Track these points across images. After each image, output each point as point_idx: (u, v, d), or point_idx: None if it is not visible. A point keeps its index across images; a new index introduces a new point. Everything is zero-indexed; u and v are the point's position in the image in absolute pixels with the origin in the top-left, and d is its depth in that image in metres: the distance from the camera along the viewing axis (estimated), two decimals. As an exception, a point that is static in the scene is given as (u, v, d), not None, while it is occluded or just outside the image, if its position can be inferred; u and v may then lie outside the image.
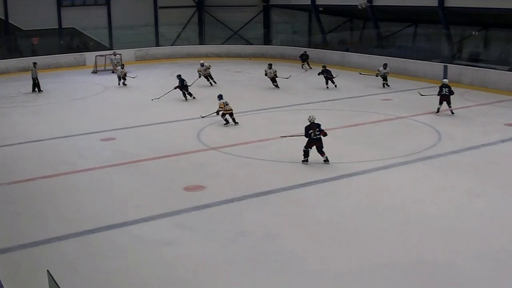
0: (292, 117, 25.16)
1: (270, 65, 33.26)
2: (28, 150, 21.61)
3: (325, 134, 18.39)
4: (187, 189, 16.62)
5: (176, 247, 13.03)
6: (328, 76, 32.41)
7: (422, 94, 27.46)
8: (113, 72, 39.37)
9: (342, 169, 17.92)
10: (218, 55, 48.71)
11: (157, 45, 50.47)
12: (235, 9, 50.55)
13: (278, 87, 32.51)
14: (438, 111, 25.34)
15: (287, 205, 15.38)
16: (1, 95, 33.21)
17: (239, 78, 37.71)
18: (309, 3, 45.21)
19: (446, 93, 25.01)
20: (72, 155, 20.65)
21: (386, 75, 32.42)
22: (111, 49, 46.92)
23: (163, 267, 12.11)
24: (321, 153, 18.26)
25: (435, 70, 34.30)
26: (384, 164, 18.50)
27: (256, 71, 39.25)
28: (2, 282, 8.52)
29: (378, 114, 25.26)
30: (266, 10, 51.23)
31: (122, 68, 34.57)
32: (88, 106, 29.76)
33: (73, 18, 47.23)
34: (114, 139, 22.61)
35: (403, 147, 20.49)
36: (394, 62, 35.78)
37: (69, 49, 46.36)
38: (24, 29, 45.68)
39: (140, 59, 47.16)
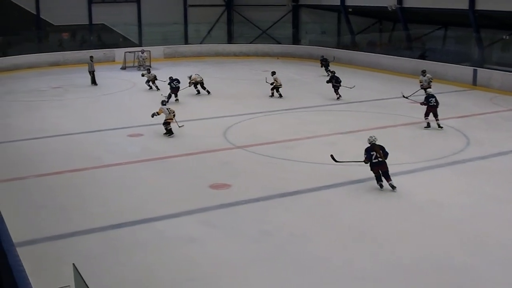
0: (319, 118, 25.06)
1: (274, 73, 31.15)
2: (55, 144, 21.75)
3: (387, 156, 16.23)
4: (213, 187, 16.59)
5: (200, 245, 12.99)
6: (335, 84, 29.54)
7: (405, 96, 26.24)
8: (138, 69, 39.65)
9: (368, 172, 17.75)
10: (246, 54, 48.72)
11: (186, 43, 50.62)
12: (264, 8, 50.54)
13: (280, 96, 30.61)
14: (429, 126, 23.57)
15: (313, 206, 15.29)
16: (31, 89, 33.49)
17: (267, 77, 37.63)
18: (339, 3, 45.10)
19: (435, 104, 23.41)
20: (99, 150, 20.75)
21: (431, 83, 28.01)
22: (140, 45, 47.16)
23: (186, 263, 12.08)
24: (387, 177, 16.12)
25: (465, 73, 33.96)
26: (410, 168, 18.33)
27: (284, 71, 39.19)
28: (28, 274, 8.51)
29: (405, 117, 25.06)
30: (295, 9, 51.22)
31: (149, 72, 33.65)
32: (117, 102, 29.90)
33: (103, 14, 47.59)
34: (141, 135, 22.67)
35: (430, 151, 20.30)
36: (423, 64, 35.52)
37: (98, 45, 46.63)
38: (55, 24, 46.08)
39: (168, 57, 47.33)
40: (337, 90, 29.43)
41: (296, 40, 50.93)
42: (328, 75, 35.62)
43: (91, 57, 35.53)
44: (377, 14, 45.99)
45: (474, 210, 15.05)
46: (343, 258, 12.30)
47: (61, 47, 45.58)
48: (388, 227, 13.92)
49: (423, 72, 28.64)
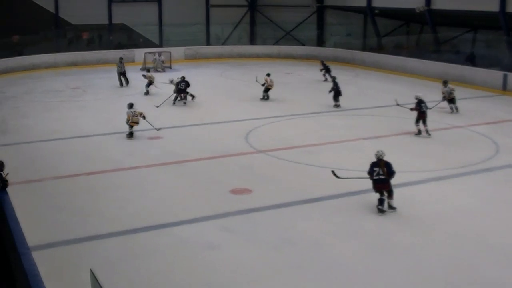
0: (343, 122, 25.00)
1: (269, 74, 31.22)
2: (73, 145, 21.89)
3: (392, 176, 15.17)
4: (234, 192, 16.60)
5: (219, 251, 12.99)
6: (337, 90, 28.53)
7: (399, 103, 25.37)
8: (157, 71, 39.89)
9: (393, 178, 17.68)
10: (269, 56, 48.70)
11: (208, 44, 50.71)
12: (288, 9, 50.51)
13: (268, 99, 30.65)
14: (420, 132, 23.09)
15: (336, 213, 15.23)
16: (49, 89, 33.74)
17: (290, 80, 37.61)
18: (365, 4, 44.90)
19: (425, 110, 23.12)
20: (118, 152, 20.85)
21: (453, 95, 26.98)
22: (160, 46, 47.35)
23: (204, 270, 12.09)
24: (390, 196, 15.27)
25: (494, 78, 33.69)
26: (437, 175, 18.20)
27: (308, 73, 39.17)
28: (43, 278, 8.56)
29: (432, 123, 24.86)
30: (320, 10, 51.12)
31: (148, 71, 33.16)
32: (136, 103, 29.91)
33: (124, 14, 47.84)
34: (161, 137, 22.73)
35: (459, 158, 20.14)
36: (452, 68, 35.38)
37: (118, 45, 46.84)
38: (74, 23, 46.38)
39: (189, 58, 47.42)
40: (338, 97, 28.51)
41: (320, 42, 50.84)
42: (326, 79, 35.54)
43: (121, 58, 35.65)
44: (404, 16, 45.79)
45: (504, 221, 14.90)
46: (367, 267, 12.24)
47: (80, 47, 45.86)
48: (414, 236, 13.82)
49: (445, 83, 27.32)
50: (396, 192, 16.36)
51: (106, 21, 47.81)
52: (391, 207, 15.19)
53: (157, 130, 23.24)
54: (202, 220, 14.65)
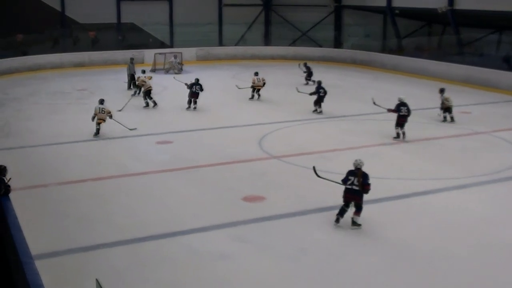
0: (361, 127, 24.93)
1: (256, 73, 31.89)
2: (79, 149, 21.94)
3: (367, 191, 14.65)
4: (246, 199, 16.57)
5: (231, 261, 12.96)
6: (319, 95, 27.92)
7: (376, 103, 25.07)
8: (166, 73, 40.02)
9: (413, 186, 17.60)
10: (284, 57, 48.71)
11: (220, 44, 50.78)
12: (305, 9, 50.49)
13: (259, 97, 31.56)
14: (399, 136, 23.25)
15: (352, 222, 15.19)
16: (55, 91, 33.86)
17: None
18: (385, 4, 44.81)
19: (406, 113, 23.10)
20: (126, 157, 20.88)
21: (449, 104, 26.42)
22: (171, 47, 47.42)
23: (215, 281, 12.06)
24: (357, 211, 14.79)
25: (520, 82, 33.64)
26: (460, 183, 18.11)
27: (325, 76, 39.09)
28: (46, 288, 8.55)
29: (454, 128, 24.83)
30: (338, 10, 51.05)
31: (143, 72, 32.04)
32: (145, 107, 30.06)
33: (133, 12, 48.00)
34: (171, 142, 22.76)
35: (482, 165, 20.05)
36: (476, 71, 35.25)
37: (127, 45, 46.92)
38: (81, 22, 46.51)
39: (201, 59, 47.50)
40: (321, 103, 28.01)
41: (338, 44, 50.79)
42: (307, 83, 35.70)
43: (132, 58, 35.69)
44: (426, 16, 45.65)
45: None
46: (386, 279, 12.18)
47: (86, 47, 45.99)
48: (435, 246, 13.73)
49: (442, 91, 26.83)
50: (416, 200, 16.34)
51: (114, 20, 47.97)
52: (355, 223, 14.72)
53: (130, 130, 23.83)
54: (213, 228, 14.63)
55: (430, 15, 43.72)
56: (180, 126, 25.03)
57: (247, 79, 32.69)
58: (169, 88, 34.31)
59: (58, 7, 45.98)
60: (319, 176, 15.60)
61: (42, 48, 43.58)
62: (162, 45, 48.45)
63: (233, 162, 20.12)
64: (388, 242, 14.01)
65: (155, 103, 29.44)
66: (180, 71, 41.34)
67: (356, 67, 44.08)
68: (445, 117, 26.46)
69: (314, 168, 15.70)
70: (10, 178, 13.39)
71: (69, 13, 46.25)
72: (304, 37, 51.27)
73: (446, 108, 26.36)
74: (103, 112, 23.45)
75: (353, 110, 28.60)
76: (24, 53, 42.38)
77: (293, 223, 15.07)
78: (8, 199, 12.94)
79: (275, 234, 14.39)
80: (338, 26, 51.36)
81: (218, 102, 30.12)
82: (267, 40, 52.33)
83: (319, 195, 16.89)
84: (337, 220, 14.79)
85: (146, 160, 20.52)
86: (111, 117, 23.61)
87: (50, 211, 15.79)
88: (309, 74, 37.35)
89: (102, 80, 37.00)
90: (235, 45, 50.87)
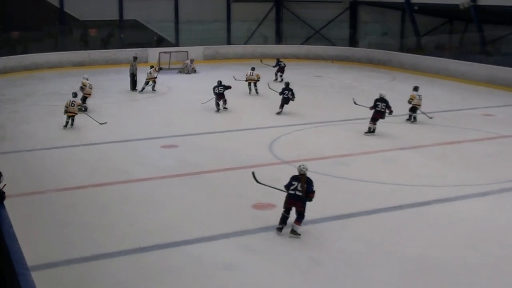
0: (378, 130, 24.84)
1: (253, 68, 34.28)
2: (79, 154, 21.96)
3: (311, 198, 14.58)
4: (256, 207, 16.53)
5: (240, 272, 12.93)
6: (288, 97, 28.17)
7: (356, 102, 25.93)
8: (179, 72, 40.17)
9: (433, 193, 17.54)
10: (296, 56, 48.74)
11: (229, 43, 50.88)
12: (318, 5, 50.58)
13: (257, 92, 33.41)
14: (370, 131, 24.36)
15: (369, 232, 15.10)
16: (53, 92, 33.95)
17: (320, 83, 37.62)
18: (403, 0, 44.80)
19: (382, 109, 24.11)
20: (128, 162, 20.89)
21: (413, 104, 26.97)
22: (177, 45, 47.48)
23: (223, 294, 12.05)
24: (297, 220, 14.69)
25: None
26: (483, 190, 18.03)
27: (339, 76, 39.10)
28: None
29: (477, 132, 24.77)
30: (353, 7, 51.05)
31: (154, 69, 34.92)
32: (149, 108, 30.12)
33: (136, 9, 48.11)
34: (176, 146, 22.76)
35: (507, 171, 19.96)
36: (500, 71, 35.15)
37: (130, 44, 47.00)
38: (81, 19, 46.62)
39: (209, 58, 47.60)
40: (285, 105, 28.32)
41: (353, 42, 50.78)
42: (276, 79, 36.58)
43: (135, 57, 35.75)
44: (447, 13, 45.61)
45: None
46: (404, 293, 12.15)
47: (87, 46, 46.10)
48: (458, 258, 13.65)
49: (415, 88, 27.44)
50: (436, 208, 16.26)
51: (116, 17, 48.11)
52: (294, 232, 14.66)
53: (100, 124, 25.00)
54: (221, 237, 14.60)
55: (451, 12, 43.66)
56: (186, 129, 25.05)
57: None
58: (174, 89, 34.37)
59: (56, 3, 46.11)
60: (258, 182, 15.55)
61: (40, 46, 43.69)
62: (167, 43, 48.55)
63: (241, 168, 20.06)
64: (406, 253, 13.93)
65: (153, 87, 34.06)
66: (191, 71, 41.78)
67: (373, 67, 44.06)
68: (410, 116, 27.00)
69: (253, 173, 15.68)
70: (5, 184, 13.35)
71: (68, 9, 46.39)
72: (317, 35, 51.28)
73: (413, 108, 26.86)
74: (73, 105, 24.97)
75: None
76: (21, 52, 42.51)
77: (306, 232, 14.98)
78: (3, 206, 12.90)
79: (286, 244, 14.33)
80: (353, 24, 51.34)
81: (227, 105, 30.14)
82: (278, 38, 52.38)
83: (333, 203, 16.86)
84: (280, 229, 14.74)
85: (149, 165, 20.53)
86: (80, 109, 25.47)
87: (47, 219, 15.77)
88: (280, 69, 38.20)
89: (103, 81, 37.01)
90: (244, 43, 50.93)
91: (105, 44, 47.15)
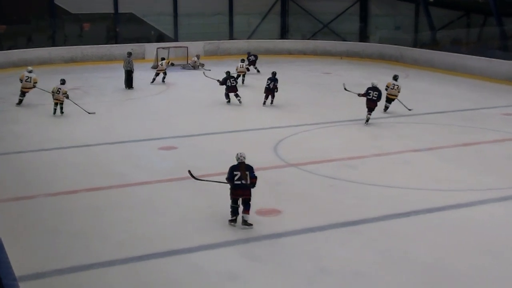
0: (390, 131, 24.94)
1: (243, 60, 36.35)
2: (71, 156, 21.98)
3: (254, 185, 15.56)
4: (259, 212, 16.52)
5: (242, 283, 12.95)
6: (268, 85, 29.94)
7: (347, 89, 27.30)
8: (183, 68, 40.46)
9: (449, 198, 17.54)
10: (303, 52, 48.81)
11: (231, 38, 50.91)
12: (327, -2, 50.63)
13: (243, 82, 35.24)
14: (368, 120, 25.99)
15: (379, 239, 15.11)
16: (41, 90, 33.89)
17: (328, 81, 37.64)
18: (417, -8, 44.91)
19: (374, 98, 25.59)
20: (124, 165, 20.91)
21: (394, 94, 28.42)
22: (176, 40, 47.53)
23: (225, 306, 12.09)
24: (246, 209, 15.55)
25: None
26: (503, 194, 18.01)
27: (349, 73, 39.11)
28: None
29: (497, 132, 24.78)
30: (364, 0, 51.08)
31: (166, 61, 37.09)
32: (146, 108, 30.15)
33: (132, 2, 48.18)
34: (175, 148, 22.81)
35: (529, 174, 20.04)
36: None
37: (125, 39, 47.04)
38: (73, 12, 46.63)
39: (210, 54, 47.63)
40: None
41: (364, 37, 50.83)
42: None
43: (129, 53, 35.79)
44: (464, 5, 45.65)
45: None
46: (417, 304, 12.17)
47: (79, 41, 46.14)
48: (475, 268, 13.64)
49: (395, 77, 28.96)
50: (452, 214, 16.26)
51: (111, 10, 48.17)
52: (246, 223, 15.45)
53: (89, 113, 26.56)
54: (222, 245, 14.64)
55: (468, 4, 43.76)
56: (186, 130, 25.07)
57: (262, 77, 32.65)
58: (174, 87, 34.41)
59: (46, -5, 46.28)
60: (197, 179, 16.30)
61: (29, 41, 43.71)
62: (165, 38, 48.61)
63: (245, 171, 20.11)
64: (421, 261, 13.94)
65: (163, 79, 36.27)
66: (197, 67, 42.19)
67: (385, 63, 44.07)
68: (386, 106, 28.27)
69: (189, 171, 16.25)
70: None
71: (59, 1, 46.41)
72: (325, 30, 51.35)
73: (390, 98, 28.16)
74: (58, 92, 26.91)
75: (380, 112, 28.52)
76: (8, 47, 42.55)
77: (313, 240, 15.04)
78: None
79: (291, 252, 14.35)
80: (364, 17, 51.40)
81: (227, 103, 30.15)
82: (284, 33, 52.45)
83: (342, 208, 16.91)
84: (233, 221, 15.57)
85: (147, 168, 20.56)
86: (67, 97, 26.84)
87: (37, 226, 15.79)
88: (251, 63, 39.66)
89: (97, 78, 37.12)
90: (248, 38, 50.96)
91: (98, 39, 47.17)
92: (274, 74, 29.92)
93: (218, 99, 30.17)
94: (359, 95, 25.69)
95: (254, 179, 15.48)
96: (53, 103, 27.64)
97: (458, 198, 17.55)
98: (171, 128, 25.37)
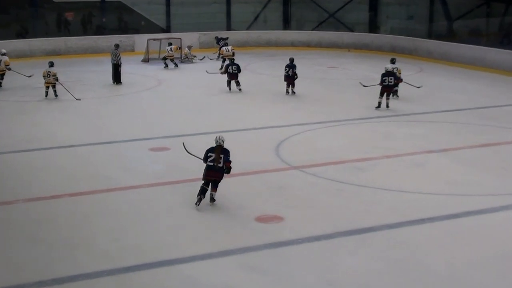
0: (403, 131, 24.95)
1: (226, 44, 39.62)
2: (54, 158, 22.03)
3: (229, 170, 17.14)
4: (260, 219, 16.55)
5: (241, 296, 13.00)
6: (291, 74, 31.35)
7: (365, 85, 29.20)
8: (182, 62, 40.73)
9: (467, 203, 17.55)
10: (307, 44, 48.86)
11: (228, 28, 50.93)
12: (333, -15, 50.67)
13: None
14: (379, 106, 28.20)
15: (391, 248, 15.13)
16: (22, 85, 33.94)
17: (334, 76, 37.69)
18: (432, -21, 44.95)
19: (390, 83, 27.83)
20: (111, 168, 20.93)
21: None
22: (168, 31, 47.56)
23: (222, 321, 12.12)
24: (214, 187, 17.23)
25: None
26: (523, 199, 18.13)
27: (357, 67, 39.14)
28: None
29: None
30: (374, -13, 51.16)
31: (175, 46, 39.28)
32: (136, 104, 30.17)
33: (121, -11, 48.18)
34: (167, 149, 22.81)
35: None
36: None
37: (113, 30, 47.06)
38: (56, 1, 46.65)
39: (205, 46, 47.64)
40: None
41: (373, 28, 50.80)
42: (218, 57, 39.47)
43: (117, 45, 35.79)
44: (483, -7, 45.74)
45: None
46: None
47: (63, 32, 46.15)
48: (495, 277, 13.65)
49: (392, 60, 30.51)
50: (470, 220, 16.27)
51: (97, -2, 48.25)
52: (213, 199, 17.20)
53: (77, 99, 28.79)
54: (218, 255, 14.61)
55: (488, -8, 43.76)
56: (179, 129, 25.03)
57: (262, 71, 32.72)
58: (165, 83, 34.43)
59: (26, -18, 46.34)
60: (189, 153, 18.33)
61: (7, 32, 43.71)
62: (156, 29, 48.63)
63: (243, 174, 20.08)
64: (435, 271, 13.95)
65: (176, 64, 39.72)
66: (192, 60, 42.60)
67: (396, 56, 44.00)
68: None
69: (183, 144, 18.33)
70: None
71: (41, -11, 46.58)
72: (331, 20, 51.33)
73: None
74: (48, 76, 29.25)
75: (391, 109, 28.54)
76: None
77: (318, 249, 15.07)
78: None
79: (294, 263, 14.36)
80: (373, 6, 51.31)
81: (225, 100, 30.19)
82: (286, 23, 52.44)
83: (350, 215, 16.93)
84: (199, 201, 17.01)
85: (136, 171, 20.58)
86: (57, 79, 29.03)
87: (16, 234, 15.78)
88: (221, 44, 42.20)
89: (82, 73, 37.13)
90: (247, 29, 50.98)
91: (83, 30, 47.19)
92: (291, 60, 31.00)
93: (214, 95, 30.25)
94: (379, 84, 27.46)
95: (228, 163, 16.96)
96: (44, 86, 30.39)
97: (477, 204, 17.55)
98: (163, 127, 25.35)
